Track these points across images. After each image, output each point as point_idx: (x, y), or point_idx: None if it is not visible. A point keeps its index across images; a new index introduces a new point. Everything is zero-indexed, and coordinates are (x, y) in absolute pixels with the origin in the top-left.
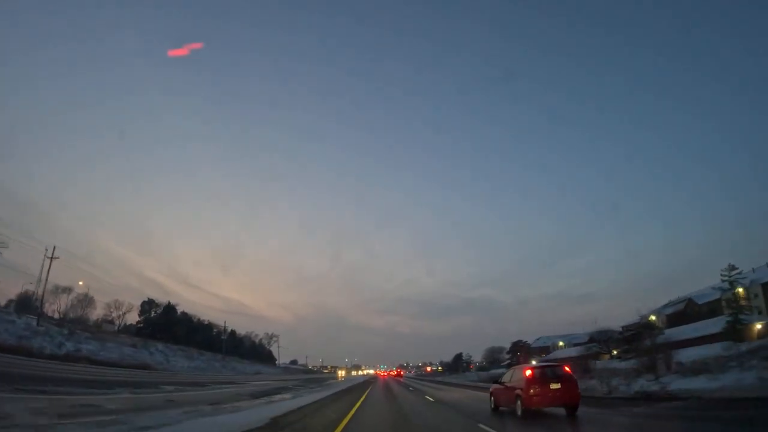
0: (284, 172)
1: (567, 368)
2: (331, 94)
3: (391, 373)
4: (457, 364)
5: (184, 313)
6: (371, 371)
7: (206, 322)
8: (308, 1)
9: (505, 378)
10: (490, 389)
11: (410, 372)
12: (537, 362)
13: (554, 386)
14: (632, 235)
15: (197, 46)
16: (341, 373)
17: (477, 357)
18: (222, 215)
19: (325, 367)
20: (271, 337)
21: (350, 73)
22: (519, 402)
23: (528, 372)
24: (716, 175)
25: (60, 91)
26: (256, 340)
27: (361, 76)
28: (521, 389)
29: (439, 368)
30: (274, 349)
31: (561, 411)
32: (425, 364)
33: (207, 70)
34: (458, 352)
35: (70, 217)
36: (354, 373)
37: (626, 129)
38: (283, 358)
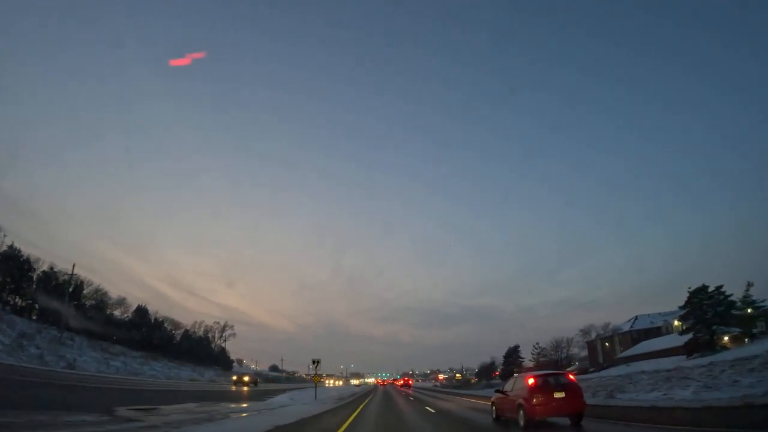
0: (288, 181)
1: (571, 376)
2: (335, 105)
3: (396, 382)
4: (509, 366)
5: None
6: (371, 380)
7: (81, 284)
8: (313, 12)
9: (507, 387)
10: (492, 399)
11: (417, 381)
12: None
13: (558, 395)
14: (635, 242)
15: (200, 55)
16: (246, 377)
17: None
18: (224, 225)
19: (320, 375)
20: (223, 329)
21: (354, 83)
22: (521, 412)
23: (530, 380)
24: (717, 182)
25: (63, 100)
26: (199, 332)
27: (365, 87)
28: (524, 398)
29: (458, 375)
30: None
31: (565, 421)
32: (435, 372)
33: (210, 80)
34: (514, 345)
35: (72, 226)
36: (331, 382)
37: (628, 138)
38: (270, 362)
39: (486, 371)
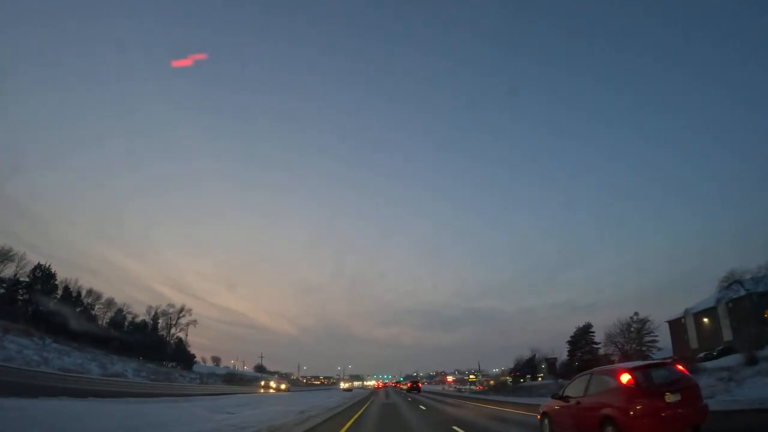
0: (289, 184)
1: (680, 367)
2: (335, 108)
3: (400, 386)
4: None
5: None
6: (372, 383)
7: None
8: (314, 15)
9: (573, 390)
10: (542, 409)
11: (422, 383)
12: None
13: (671, 398)
14: (635, 244)
15: (202, 57)
16: None
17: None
18: (226, 227)
19: (317, 378)
20: (179, 313)
21: (355, 86)
22: (610, 428)
23: (625, 377)
24: (717, 184)
25: (64, 103)
26: (147, 317)
27: (366, 90)
28: (614, 406)
29: (470, 377)
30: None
31: None
32: (441, 374)
33: (212, 83)
34: (584, 323)
35: (73, 228)
36: (273, 386)
37: (628, 140)
38: (269, 364)
39: (526, 369)
